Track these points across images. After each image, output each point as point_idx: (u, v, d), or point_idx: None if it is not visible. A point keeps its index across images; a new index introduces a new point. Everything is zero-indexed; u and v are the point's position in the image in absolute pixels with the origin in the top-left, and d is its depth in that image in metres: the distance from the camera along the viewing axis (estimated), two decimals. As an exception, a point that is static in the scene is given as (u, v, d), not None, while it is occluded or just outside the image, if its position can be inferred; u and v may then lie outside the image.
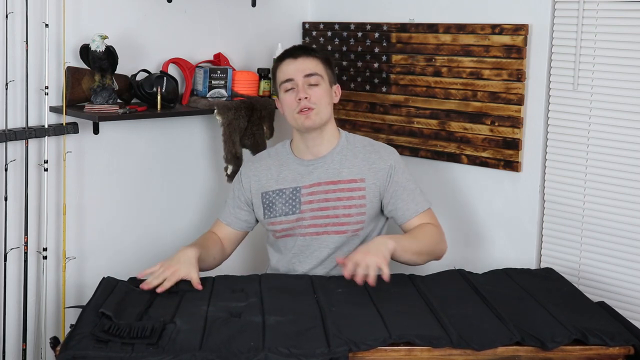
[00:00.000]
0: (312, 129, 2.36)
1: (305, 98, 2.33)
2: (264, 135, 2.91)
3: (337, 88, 2.48)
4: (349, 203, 2.35)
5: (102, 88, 2.51)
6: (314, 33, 3.22)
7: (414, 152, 2.94)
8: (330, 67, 2.46)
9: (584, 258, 2.61)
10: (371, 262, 2.02)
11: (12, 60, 2.40)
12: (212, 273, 2.29)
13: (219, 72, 2.84)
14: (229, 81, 2.87)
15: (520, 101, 2.66)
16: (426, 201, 2.40)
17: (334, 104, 2.45)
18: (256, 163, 2.49)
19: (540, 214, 2.70)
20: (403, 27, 2.94)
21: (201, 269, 2.23)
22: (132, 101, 2.69)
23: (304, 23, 3.26)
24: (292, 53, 2.43)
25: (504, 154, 2.72)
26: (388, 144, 2.64)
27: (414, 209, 2.36)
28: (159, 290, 2.08)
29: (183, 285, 2.13)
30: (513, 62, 2.66)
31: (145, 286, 2.09)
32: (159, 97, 2.61)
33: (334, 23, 3.15)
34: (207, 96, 2.83)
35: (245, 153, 2.87)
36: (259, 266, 2.86)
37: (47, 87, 2.44)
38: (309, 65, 2.38)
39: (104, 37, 2.47)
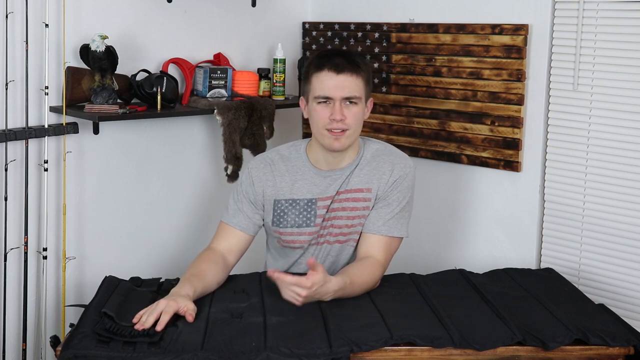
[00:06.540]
0: (339, 151, 2.20)
1: (341, 120, 2.12)
2: (264, 135, 2.91)
3: (370, 102, 2.23)
4: (353, 214, 2.24)
5: (102, 88, 2.51)
6: (314, 33, 3.22)
7: (414, 152, 2.93)
8: (370, 83, 2.20)
9: (584, 258, 2.62)
10: (313, 298, 1.96)
11: (12, 60, 2.39)
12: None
13: (219, 72, 2.84)
14: (229, 81, 2.86)
15: (520, 101, 2.66)
16: (398, 230, 2.20)
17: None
18: (269, 166, 2.27)
19: (540, 214, 2.71)
20: (403, 27, 2.94)
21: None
22: (132, 101, 2.69)
23: (304, 23, 3.26)
24: (335, 65, 2.11)
25: (504, 154, 2.72)
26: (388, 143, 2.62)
27: (378, 228, 2.18)
28: (158, 327, 1.80)
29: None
30: (513, 62, 2.66)
31: (139, 326, 1.81)
32: (159, 97, 2.61)
33: (334, 23, 3.15)
34: (207, 96, 2.83)
35: (246, 153, 2.87)
36: (256, 266, 2.86)
37: (47, 87, 2.44)
38: (352, 86, 2.11)
39: (104, 37, 2.46)
